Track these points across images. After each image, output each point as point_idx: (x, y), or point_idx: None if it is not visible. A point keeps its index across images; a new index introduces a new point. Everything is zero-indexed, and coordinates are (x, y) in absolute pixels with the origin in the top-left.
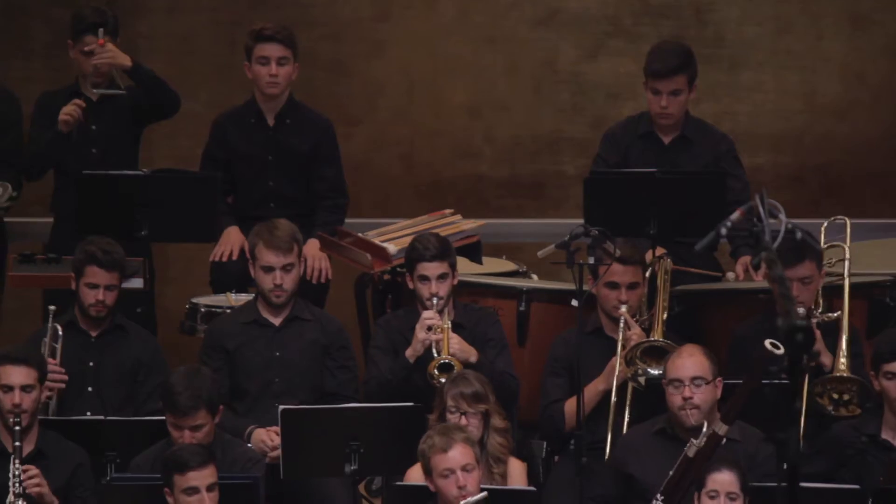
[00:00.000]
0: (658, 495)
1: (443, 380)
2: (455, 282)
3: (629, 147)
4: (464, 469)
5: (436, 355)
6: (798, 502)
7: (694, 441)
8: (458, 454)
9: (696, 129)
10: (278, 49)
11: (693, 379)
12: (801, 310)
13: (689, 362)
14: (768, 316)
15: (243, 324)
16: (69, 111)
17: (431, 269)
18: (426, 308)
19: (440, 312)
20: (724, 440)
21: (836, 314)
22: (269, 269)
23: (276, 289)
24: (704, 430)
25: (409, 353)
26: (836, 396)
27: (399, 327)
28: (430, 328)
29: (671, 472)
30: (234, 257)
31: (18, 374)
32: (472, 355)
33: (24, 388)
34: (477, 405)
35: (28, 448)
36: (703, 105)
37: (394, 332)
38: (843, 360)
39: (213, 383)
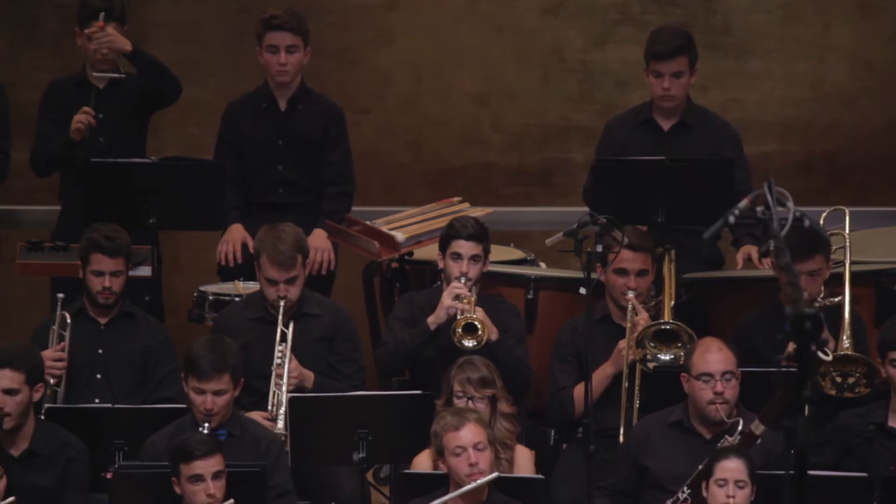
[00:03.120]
0: (685, 488)
1: (465, 341)
2: (485, 268)
3: (627, 137)
4: (475, 447)
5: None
6: (806, 490)
7: (729, 438)
8: (470, 432)
9: (696, 117)
10: (288, 37)
11: (723, 374)
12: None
13: (720, 357)
14: (772, 305)
15: (250, 320)
16: (80, 119)
17: (466, 247)
18: None
19: None
20: (759, 440)
21: (837, 298)
22: (272, 282)
23: (279, 299)
24: (740, 427)
25: (431, 319)
26: (839, 380)
27: (422, 303)
28: (457, 297)
29: (700, 467)
30: (239, 260)
31: (2, 378)
32: (493, 332)
33: (9, 392)
34: (484, 390)
35: (21, 447)
36: (710, 93)
37: (415, 306)
38: (846, 340)
39: (237, 352)
